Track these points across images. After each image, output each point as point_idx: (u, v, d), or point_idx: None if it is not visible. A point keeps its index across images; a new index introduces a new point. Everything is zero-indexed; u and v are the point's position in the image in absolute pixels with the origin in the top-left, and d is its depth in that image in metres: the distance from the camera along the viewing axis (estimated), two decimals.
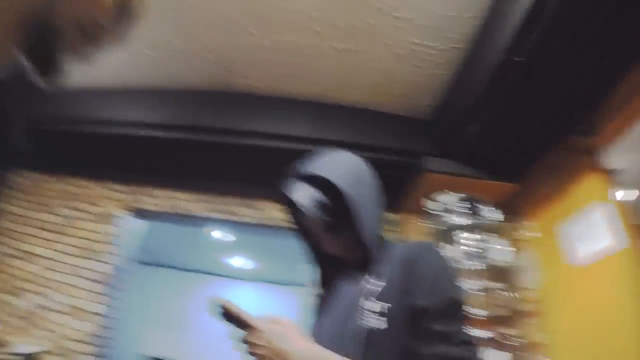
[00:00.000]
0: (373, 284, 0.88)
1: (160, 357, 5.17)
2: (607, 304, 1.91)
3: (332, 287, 1.04)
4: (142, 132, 2.67)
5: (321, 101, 2.70)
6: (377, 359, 0.80)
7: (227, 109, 2.68)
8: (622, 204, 2.00)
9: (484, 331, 2.11)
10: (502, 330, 2.19)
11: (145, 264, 5.50)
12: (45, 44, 0.60)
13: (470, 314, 2.08)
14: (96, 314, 2.76)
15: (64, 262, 2.90)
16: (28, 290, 2.83)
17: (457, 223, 2.37)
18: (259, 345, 0.78)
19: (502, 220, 2.59)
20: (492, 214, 2.44)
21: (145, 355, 5.17)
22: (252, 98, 2.70)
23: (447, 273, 0.87)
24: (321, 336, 0.91)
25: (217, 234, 4.01)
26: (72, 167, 3.17)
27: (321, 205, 0.96)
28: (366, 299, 0.86)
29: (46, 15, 0.60)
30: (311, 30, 2.29)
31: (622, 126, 1.95)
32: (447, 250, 2.35)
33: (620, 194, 2.10)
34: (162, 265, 5.78)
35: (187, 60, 2.56)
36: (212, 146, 2.69)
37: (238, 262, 5.37)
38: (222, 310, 0.80)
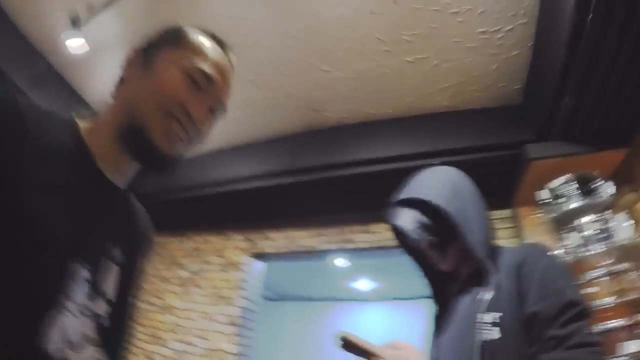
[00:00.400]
0: (484, 294, 0.88)
1: None
2: None
3: (448, 304, 1.04)
4: (251, 184, 2.99)
5: (410, 115, 2.74)
6: None
7: (323, 145, 2.89)
8: None
9: (616, 320, 1.87)
10: (636, 315, 1.92)
11: (273, 300, 5.86)
12: (145, 144, 0.65)
13: (591, 309, 1.86)
14: (232, 353, 3.08)
15: (198, 310, 3.30)
16: (169, 339, 3.23)
17: (572, 207, 2.16)
18: None
19: (619, 193, 2.33)
20: (607, 189, 2.19)
21: None
22: (344, 129, 2.86)
23: (556, 273, 0.84)
24: (440, 354, 0.94)
25: (337, 261, 4.13)
26: (195, 225, 3.59)
27: (424, 226, 0.98)
28: (479, 311, 0.86)
29: (133, 119, 0.66)
30: (380, 51, 2.37)
31: None
32: (567, 238, 2.15)
33: None
34: (289, 299, 6.09)
35: (274, 111, 2.82)
36: (317, 183, 2.89)
37: (360, 285, 5.43)
38: (343, 342, 0.84)
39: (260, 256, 3.43)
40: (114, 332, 0.68)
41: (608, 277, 1.93)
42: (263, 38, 2.37)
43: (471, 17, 2.12)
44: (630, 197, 2.38)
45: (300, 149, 2.92)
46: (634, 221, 2.16)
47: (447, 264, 1.00)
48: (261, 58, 2.47)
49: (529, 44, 2.20)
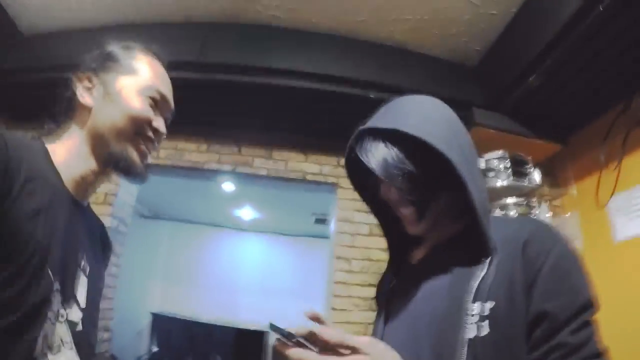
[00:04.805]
0: (475, 276, 0.68)
1: (166, 313, 5.01)
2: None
3: (409, 275, 0.82)
4: None
5: (353, 37, 2.40)
6: None
7: (242, 42, 2.35)
8: None
9: None
10: None
11: (146, 217, 5.26)
12: (128, 165, 0.83)
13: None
14: None
15: None
16: None
17: (499, 184, 2.21)
18: None
19: (545, 184, 2.50)
20: (536, 177, 2.30)
21: (152, 312, 5.04)
22: (272, 30, 2.38)
23: (570, 264, 0.67)
24: (397, 342, 0.69)
25: (225, 185, 3.71)
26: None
27: (405, 171, 0.71)
28: (467, 298, 0.66)
29: (110, 146, 0.81)
30: None
31: None
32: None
33: None
34: (164, 218, 5.57)
35: None
36: (225, 86, 2.35)
37: (243, 213, 5.14)
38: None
39: None
40: (87, 335, 0.78)
41: None
42: None
43: None
44: (549, 190, 2.63)
45: (212, 41, 2.32)
46: (553, 214, 2.31)
47: (422, 226, 0.76)
48: None
49: (512, 10, 2.05)
